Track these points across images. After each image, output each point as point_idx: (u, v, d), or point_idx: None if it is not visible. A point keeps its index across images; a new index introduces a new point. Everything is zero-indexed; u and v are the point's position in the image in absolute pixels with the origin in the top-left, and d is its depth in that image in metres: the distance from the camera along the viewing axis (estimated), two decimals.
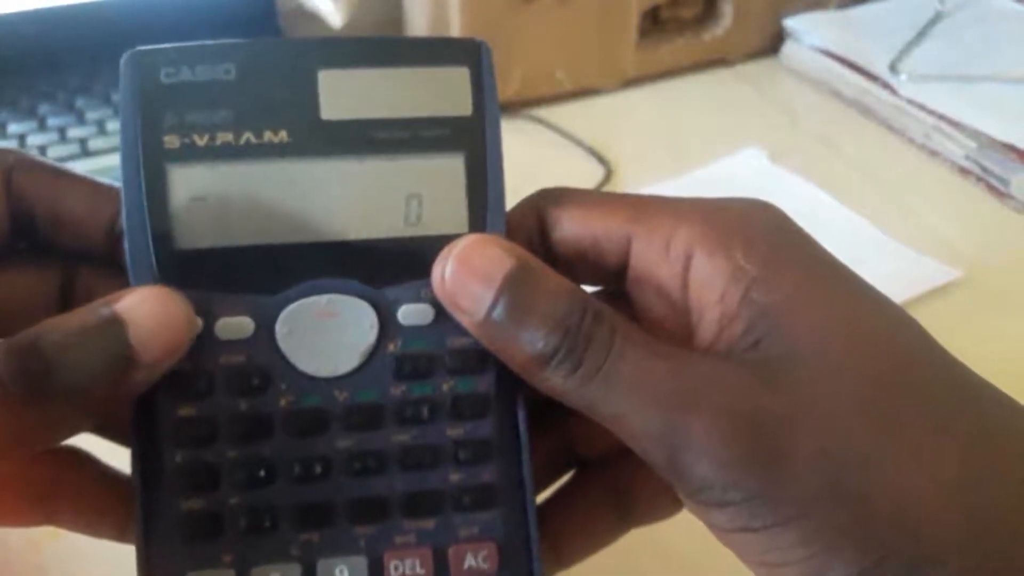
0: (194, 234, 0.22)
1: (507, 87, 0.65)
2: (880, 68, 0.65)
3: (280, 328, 0.22)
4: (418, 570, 0.22)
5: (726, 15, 0.71)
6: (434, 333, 0.23)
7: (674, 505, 0.25)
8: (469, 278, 0.21)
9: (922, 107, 0.62)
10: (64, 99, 0.61)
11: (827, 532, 0.19)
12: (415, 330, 0.23)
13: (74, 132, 0.58)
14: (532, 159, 0.62)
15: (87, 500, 0.24)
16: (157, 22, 0.66)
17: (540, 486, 0.25)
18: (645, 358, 0.21)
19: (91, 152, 0.57)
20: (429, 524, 0.23)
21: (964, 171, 0.60)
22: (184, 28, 0.66)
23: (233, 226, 0.22)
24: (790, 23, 0.71)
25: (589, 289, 0.24)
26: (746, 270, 0.21)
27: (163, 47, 0.22)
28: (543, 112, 0.66)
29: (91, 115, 0.60)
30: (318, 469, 0.22)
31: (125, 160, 0.22)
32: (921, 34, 0.69)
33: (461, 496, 0.23)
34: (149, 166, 0.21)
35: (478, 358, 0.23)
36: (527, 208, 0.24)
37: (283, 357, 0.22)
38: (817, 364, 0.20)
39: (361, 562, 0.22)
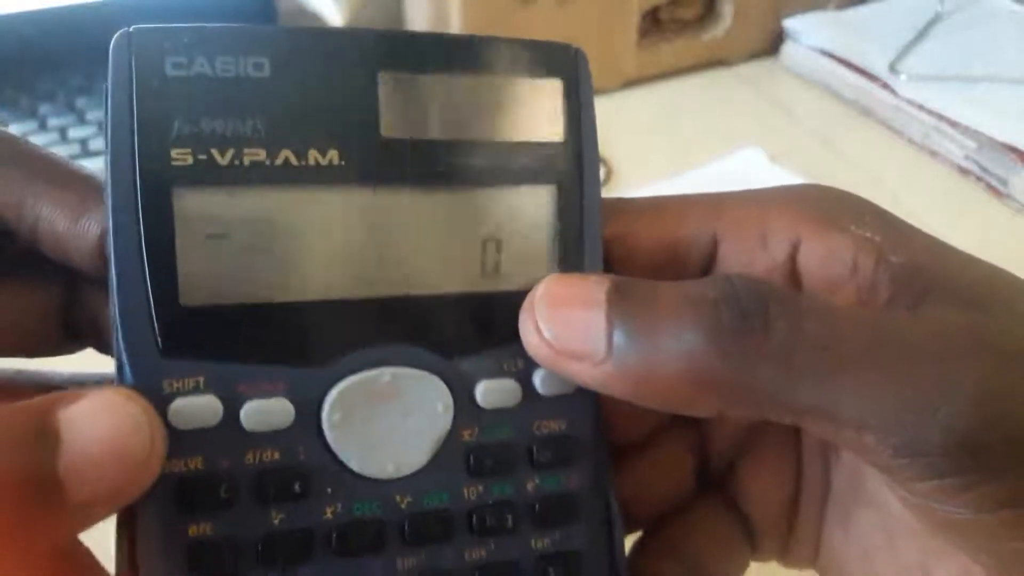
0: (211, 286, 0.17)
1: None
2: (879, 68, 0.65)
3: (328, 414, 0.17)
4: None
5: (726, 16, 0.71)
6: (519, 416, 0.19)
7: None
8: (570, 317, 0.17)
9: (921, 107, 0.62)
10: (65, 99, 0.61)
11: None
12: (498, 413, 0.18)
13: (75, 132, 0.58)
14: None
15: None
16: (157, 23, 0.66)
17: None
18: (856, 313, 0.17)
19: (92, 152, 0.57)
20: None
21: (963, 171, 0.60)
22: None
23: (264, 275, 0.17)
24: (789, 24, 0.72)
25: None
26: (867, 238, 0.19)
27: (171, 27, 0.17)
28: None
29: (92, 115, 0.60)
30: None
31: (116, 181, 0.16)
32: (920, 35, 0.69)
33: None
34: (150, 190, 0.16)
35: (568, 447, 0.19)
36: None
37: (331, 453, 0.17)
38: (1006, 310, 0.17)
39: None
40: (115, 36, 0.17)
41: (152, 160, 0.16)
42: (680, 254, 0.20)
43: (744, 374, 0.16)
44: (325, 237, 0.17)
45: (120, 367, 0.16)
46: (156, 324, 0.16)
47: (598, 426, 0.19)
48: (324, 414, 0.17)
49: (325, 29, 0.18)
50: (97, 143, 0.57)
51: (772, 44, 0.73)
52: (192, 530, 0.16)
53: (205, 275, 0.17)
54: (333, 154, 0.17)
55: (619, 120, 0.67)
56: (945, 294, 0.18)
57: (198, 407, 0.16)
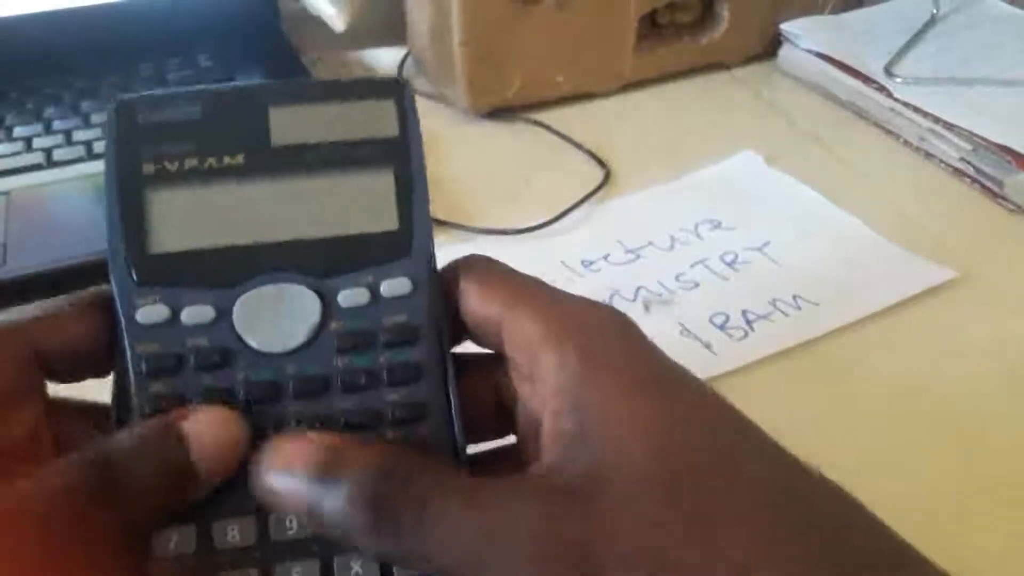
0: (163, 241, 0.26)
1: (507, 91, 0.66)
2: (875, 71, 0.66)
3: (236, 313, 0.26)
4: None
5: (723, 20, 0.71)
6: (371, 312, 0.26)
7: None
8: (282, 483, 0.23)
9: (917, 109, 0.63)
10: (70, 102, 0.62)
11: None
12: (354, 310, 0.26)
13: (80, 135, 0.59)
14: (532, 162, 0.63)
15: None
16: (162, 27, 0.67)
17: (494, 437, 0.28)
18: (456, 509, 0.21)
19: (96, 155, 0.57)
20: None
21: (958, 172, 0.60)
22: (188, 33, 0.67)
23: (198, 232, 0.26)
24: (786, 27, 0.72)
25: None
26: (571, 366, 0.23)
27: (142, 95, 0.27)
28: (543, 115, 0.67)
29: (96, 118, 0.60)
30: (273, 432, 0.25)
31: (108, 187, 0.26)
32: (916, 37, 0.70)
33: None
34: (129, 188, 0.26)
35: (410, 332, 0.26)
36: (453, 275, 0.27)
37: (239, 338, 0.26)
38: (621, 479, 0.21)
39: None
40: (109, 106, 0.26)
41: (131, 172, 0.26)
42: (485, 326, 0.26)
43: (382, 551, 0.22)
44: (237, 207, 0.26)
45: (113, 294, 0.25)
46: (131, 266, 0.25)
47: (433, 315, 0.27)
48: (234, 315, 0.26)
49: (236, 85, 0.26)
50: (101, 146, 0.58)
51: (769, 47, 0.74)
52: (154, 388, 0.25)
53: (160, 235, 0.26)
54: (240, 157, 0.26)
55: (617, 123, 0.67)
56: (585, 450, 0.22)
57: (155, 311, 0.25)
